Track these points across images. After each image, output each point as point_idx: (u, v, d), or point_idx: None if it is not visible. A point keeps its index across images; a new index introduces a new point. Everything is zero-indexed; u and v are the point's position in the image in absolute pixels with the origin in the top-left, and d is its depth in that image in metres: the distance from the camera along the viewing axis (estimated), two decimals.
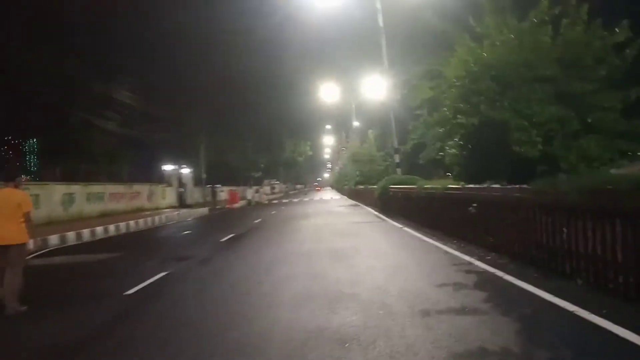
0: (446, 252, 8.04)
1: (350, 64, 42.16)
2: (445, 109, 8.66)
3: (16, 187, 6.05)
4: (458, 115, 7.28)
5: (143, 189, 31.70)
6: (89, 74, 27.60)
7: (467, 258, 7.26)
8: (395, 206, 16.71)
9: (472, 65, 7.15)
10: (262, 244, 11.19)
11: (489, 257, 7.15)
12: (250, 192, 40.71)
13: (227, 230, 14.90)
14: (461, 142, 8.72)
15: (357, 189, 32.88)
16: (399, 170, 20.33)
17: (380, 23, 20.81)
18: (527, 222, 6.12)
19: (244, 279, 6.97)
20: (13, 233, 5.66)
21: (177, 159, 39.22)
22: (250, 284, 6.45)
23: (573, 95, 6.27)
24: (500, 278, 5.78)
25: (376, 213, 18.87)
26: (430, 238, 9.93)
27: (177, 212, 27.78)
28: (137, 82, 32.51)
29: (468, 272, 6.28)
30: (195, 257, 9.71)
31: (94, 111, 26.86)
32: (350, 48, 42.53)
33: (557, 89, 6.32)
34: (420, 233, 10.96)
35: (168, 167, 38.11)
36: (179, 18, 35.27)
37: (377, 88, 34.94)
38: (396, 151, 20.97)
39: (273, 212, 25.05)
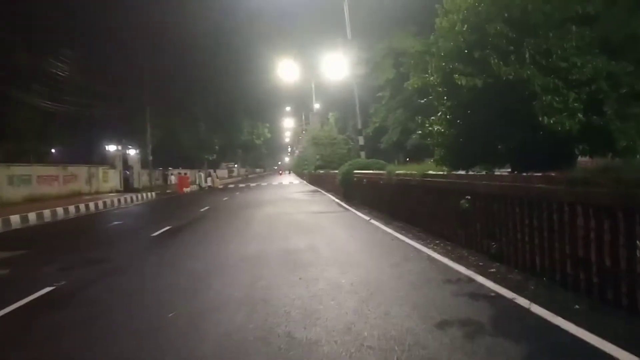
0: (432, 259, 6.20)
1: (310, 39, 39.80)
2: (431, 71, 6.72)
3: None
4: (455, 75, 5.32)
5: (80, 171, 28.45)
6: (13, 41, 24.06)
7: (462, 270, 5.43)
8: (360, 194, 14.88)
9: (476, 4, 5.22)
10: (198, 243, 9.04)
11: (492, 270, 5.35)
12: (201, 176, 37.88)
13: (165, 221, 12.63)
14: (448, 117, 6.82)
15: (317, 173, 30.94)
16: (362, 153, 18.49)
17: None
18: (560, 226, 4.33)
19: (155, 304, 4.85)
20: None
21: (122, 139, 35.89)
22: (160, 316, 4.37)
23: (625, 41, 4.50)
24: (528, 311, 3.95)
25: (338, 201, 17.00)
26: (406, 236, 8.10)
27: (118, 198, 24.95)
28: (74, 53, 29.02)
29: (473, 296, 4.44)
30: (108, 262, 7.49)
31: (18, 84, 23.37)
32: (311, 21, 40.17)
33: (602, 33, 4.53)
34: (392, 228, 9.13)
35: (111, 148, 34.77)
36: None
37: (338, 67, 33.02)
38: (359, 132, 19.10)
39: (225, 199, 22.75)
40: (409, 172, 9.19)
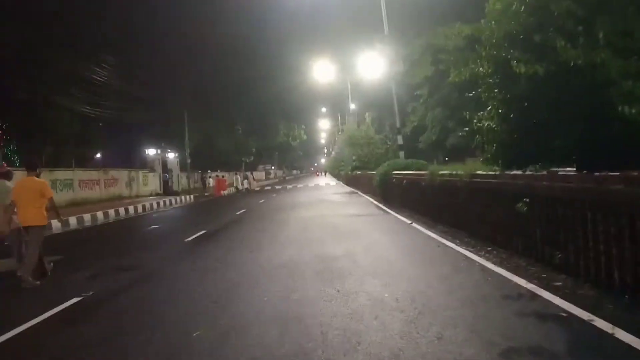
0: (485, 270, 5.54)
1: (345, 39, 39.34)
2: (480, 60, 6.07)
3: (37, 176, 6.76)
4: (513, 62, 4.67)
5: (121, 175, 29.03)
6: (55, 48, 24.75)
7: (522, 283, 4.77)
8: (399, 195, 14.22)
9: None
10: (232, 248, 8.67)
11: (558, 283, 4.66)
12: (238, 179, 37.99)
13: (201, 225, 12.45)
14: (500, 110, 6.14)
15: (354, 174, 30.35)
16: (401, 153, 17.77)
17: None
18: None
19: (180, 320, 4.46)
20: (33, 216, 6.37)
21: (161, 143, 36.50)
22: (183, 334, 3.96)
23: None
24: (611, 337, 3.29)
25: (376, 203, 16.38)
26: (453, 242, 7.45)
27: (157, 201, 25.25)
28: (114, 59, 29.68)
29: (540, 316, 3.79)
30: (139, 269, 7.26)
31: (61, 89, 23.99)
32: (345, 21, 39.65)
33: None
34: (436, 233, 8.48)
35: (151, 152, 35.41)
36: None
37: (374, 66, 32.32)
38: (398, 131, 18.37)
39: (261, 201, 22.54)
40: (454, 172, 8.51)
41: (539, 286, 4.59)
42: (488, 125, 6.43)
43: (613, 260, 4.09)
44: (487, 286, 4.83)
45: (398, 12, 23.89)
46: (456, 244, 7.25)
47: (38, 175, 6.81)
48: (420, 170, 13.99)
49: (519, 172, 5.95)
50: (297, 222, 12.06)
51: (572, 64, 4.14)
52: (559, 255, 4.89)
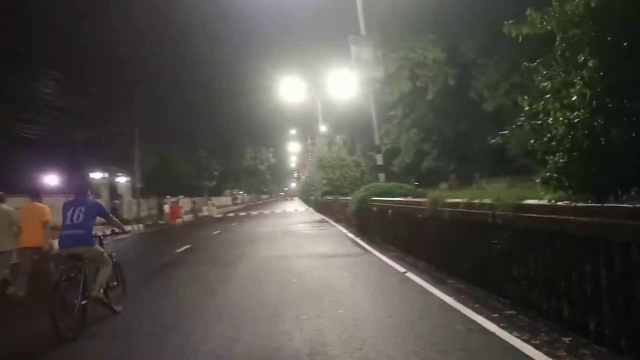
0: None
1: (315, 56, 36.86)
2: (561, 58, 3.24)
3: (39, 202, 7.46)
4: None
5: (53, 202, 25.01)
6: None
7: None
8: (382, 228, 11.26)
9: None
10: (130, 327, 5.42)
11: None
12: (187, 204, 33.55)
13: (126, 270, 9.06)
14: (588, 93, 3.28)
15: (324, 200, 27.36)
16: (382, 175, 14.92)
17: None
18: None
19: None
20: (35, 238, 7.06)
21: (110, 166, 32.64)
22: None
23: None
24: None
25: (352, 236, 13.37)
26: (490, 318, 4.46)
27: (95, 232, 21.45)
28: (52, 70, 26.03)
29: None
30: None
31: None
32: (315, 37, 37.34)
33: None
34: (451, 295, 5.49)
35: (97, 175, 31.49)
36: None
37: (346, 85, 29.92)
38: (378, 150, 15.53)
39: (216, 232, 19.17)
40: (474, 201, 5.59)
41: None
42: (564, 118, 3.57)
43: None
44: None
45: (374, 24, 21.46)
46: (497, 323, 4.28)
47: (40, 201, 7.51)
48: (405, 196, 11.18)
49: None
50: (249, 270, 8.86)
51: None
52: None
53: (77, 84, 27.68)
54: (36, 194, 7.74)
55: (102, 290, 5.49)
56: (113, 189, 32.64)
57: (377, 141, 15.75)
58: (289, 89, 40.29)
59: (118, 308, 5.85)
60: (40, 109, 24.85)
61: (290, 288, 6.76)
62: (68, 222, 5.42)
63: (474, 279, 5.78)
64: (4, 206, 7.28)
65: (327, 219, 22.51)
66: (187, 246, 13.86)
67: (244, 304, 5.91)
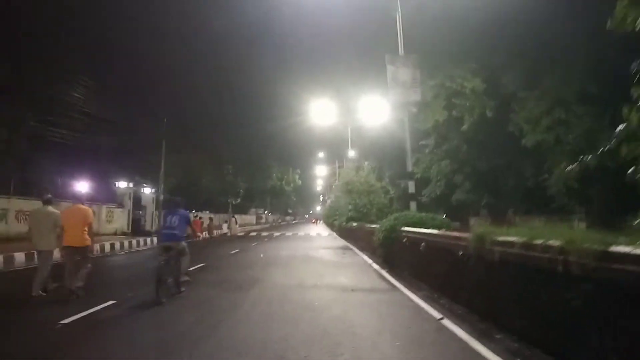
0: None
1: (348, 79, 36.29)
2: None
3: (82, 204, 8.13)
4: None
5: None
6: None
7: None
8: (412, 261, 10.12)
9: None
10: None
11: None
12: (205, 221, 32.18)
13: (116, 292, 8.28)
14: None
15: (349, 226, 26.24)
16: (413, 204, 13.78)
17: None
18: None
19: None
20: (78, 238, 7.66)
21: (135, 176, 32.46)
22: None
23: None
24: None
25: (377, 268, 12.24)
26: None
27: (113, 242, 20.91)
28: (83, 76, 26.16)
29: None
30: None
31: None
32: (349, 59, 36.83)
33: None
34: (506, 359, 4.37)
35: (122, 184, 31.32)
36: (149, 13, 29.57)
37: (377, 111, 29.18)
38: (410, 176, 14.43)
39: (234, 252, 18.33)
40: (536, 242, 4.50)
41: None
42: None
43: None
44: None
45: (412, 49, 20.61)
46: None
47: (83, 204, 8.16)
48: (438, 228, 10.05)
49: None
50: (259, 299, 7.85)
51: None
52: None
53: (107, 91, 27.84)
54: (80, 197, 8.81)
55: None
56: (137, 199, 32.36)
57: (409, 167, 14.66)
58: (319, 112, 39.69)
59: (182, 289, 8.25)
60: (68, 114, 24.91)
61: (302, 327, 5.72)
62: (167, 224, 8.20)
63: (533, 338, 4.63)
64: (50, 208, 7.95)
65: (350, 246, 21.38)
66: (200, 265, 13.04)
67: (245, 345, 4.91)
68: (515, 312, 5.04)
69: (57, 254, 8.11)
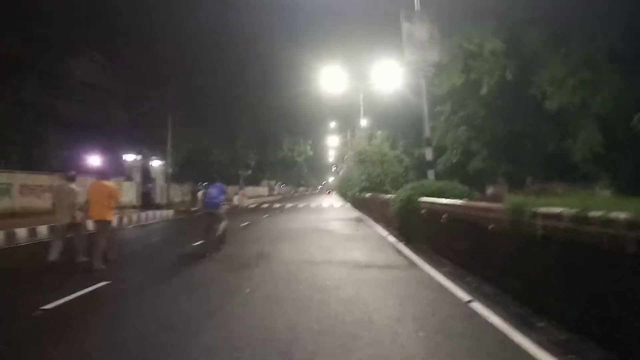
0: None
1: (359, 44, 34.87)
2: None
3: (106, 180, 8.58)
4: None
5: (82, 181, 24.31)
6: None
7: None
8: (431, 233, 9.34)
9: None
10: None
11: None
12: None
13: (106, 277, 7.68)
14: None
15: (362, 196, 25.48)
16: (431, 172, 12.88)
17: None
18: None
19: None
20: (103, 212, 8.06)
21: (144, 149, 31.90)
22: None
23: None
24: None
25: (394, 241, 11.51)
26: None
27: (121, 216, 20.48)
28: (90, 49, 25.32)
29: None
30: None
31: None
32: (360, 24, 35.30)
33: None
34: (558, 356, 3.60)
35: (129, 157, 30.82)
36: None
37: (390, 76, 27.95)
38: (428, 143, 13.45)
39: (244, 224, 17.73)
40: (593, 215, 3.66)
41: None
42: None
43: None
44: None
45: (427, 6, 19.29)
46: None
47: (107, 180, 8.70)
48: (460, 197, 9.23)
49: None
50: (264, 278, 7.16)
51: None
52: None
53: (115, 63, 27.02)
54: (104, 173, 9.19)
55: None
56: (146, 172, 31.89)
57: (427, 132, 13.66)
58: (330, 80, 38.34)
59: (221, 247, 10.10)
60: (75, 87, 24.20)
61: (311, 313, 5.01)
62: (211, 195, 10.00)
63: (589, 330, 3.84)
64: (72, 185, 8.32)
65: (364, 217, 20.68)
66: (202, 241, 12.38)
67: (245, 336, 4.22)
68: (563, 298, 4.24)
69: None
